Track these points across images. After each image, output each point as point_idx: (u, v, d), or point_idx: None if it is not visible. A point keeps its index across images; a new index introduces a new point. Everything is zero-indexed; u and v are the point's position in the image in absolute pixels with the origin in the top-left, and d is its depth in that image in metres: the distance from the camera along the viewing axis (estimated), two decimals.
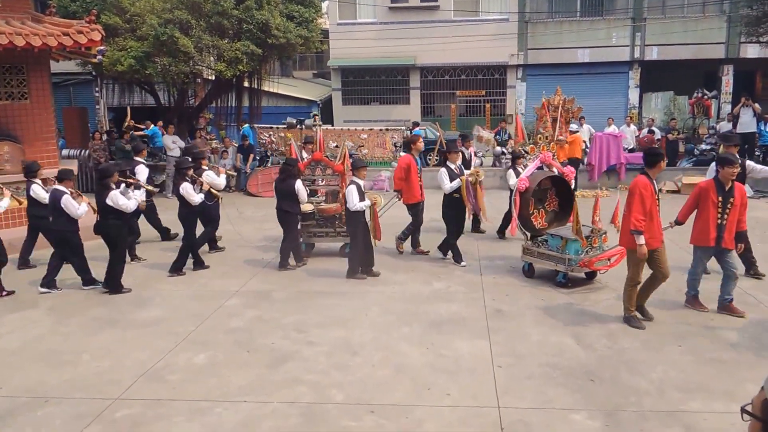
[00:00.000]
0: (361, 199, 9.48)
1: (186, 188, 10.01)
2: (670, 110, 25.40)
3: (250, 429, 5.38)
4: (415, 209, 10.92)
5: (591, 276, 9.25)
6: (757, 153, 18.37)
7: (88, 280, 9.43)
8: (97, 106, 26.55)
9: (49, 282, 9.27)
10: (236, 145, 19.72)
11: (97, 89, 26.17)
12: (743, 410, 2.35)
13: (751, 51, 25.38)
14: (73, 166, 13.62)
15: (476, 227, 12.50)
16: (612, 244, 8.98)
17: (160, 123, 19.66)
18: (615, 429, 5.27)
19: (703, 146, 19.41)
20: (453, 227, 10.24)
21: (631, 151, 19.09)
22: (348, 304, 8.52)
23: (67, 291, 9.32)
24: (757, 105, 18.14)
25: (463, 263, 10.18)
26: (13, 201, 9.66)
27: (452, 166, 10.21)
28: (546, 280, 9.28)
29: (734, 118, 18.63)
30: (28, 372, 6.60)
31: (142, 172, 11.40)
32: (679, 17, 26.31)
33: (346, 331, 7.53)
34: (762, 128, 18.48)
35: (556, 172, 10.05)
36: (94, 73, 21.69)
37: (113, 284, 9.15)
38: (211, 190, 10.46)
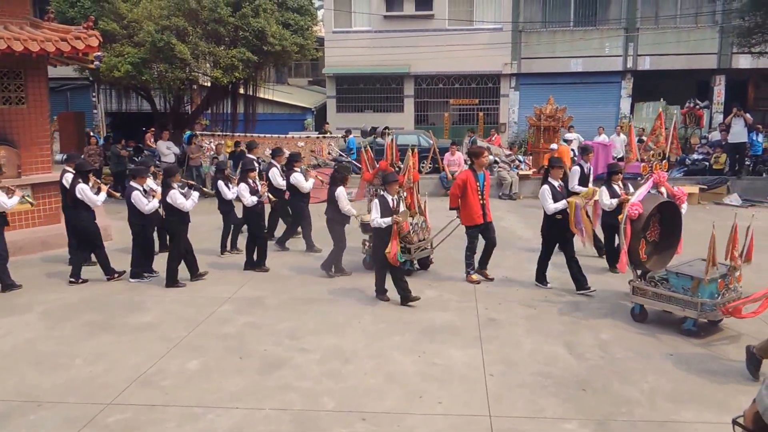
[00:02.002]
0: (384, 215, 8.70)
1: (241, 189, 10.49)
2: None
3: None
4: (473, 232, 9.73)
5: (716, 321, 7.78)
6: (747, 163, 18.49)
7: (135, 273, 10.09)
8: (94, 111, 26.57)
9: (135, 273, 10.08)
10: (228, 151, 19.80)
11: (93, 95, 26.19)
12: (735, 422, 2.37)
13: (743, 61, 25.52)
14: None
15: (601, 252, 10.99)
16: (745, 283, 7.91)
17: (152, 130, 19.70)
18: None
19: (695, 156, 19.52)
20: (549, 249, 9.41)
21: (620, 160, 19.15)
22: (341, 311, 8.53)
23: (61, 294, 9.32)
24: (748, 115, 18.24)
25: (549, 285, 9.46)
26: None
27: (555, 183, 9.24)
28: (661, 326, 7.89)
29: (726, 128, 18.75)
30: (21, 376, 6.61)
31: None
32: (672, 27, 26.45)
33: (338, 338, 7.55)
34: (753, 138, 18.60)
35: (666, 195, 8.46)
36: (91, 78, 21.66)
37: (169, 279, 9.76)
38: (268, 195, 10.91)
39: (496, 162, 19.22)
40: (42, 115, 12.56)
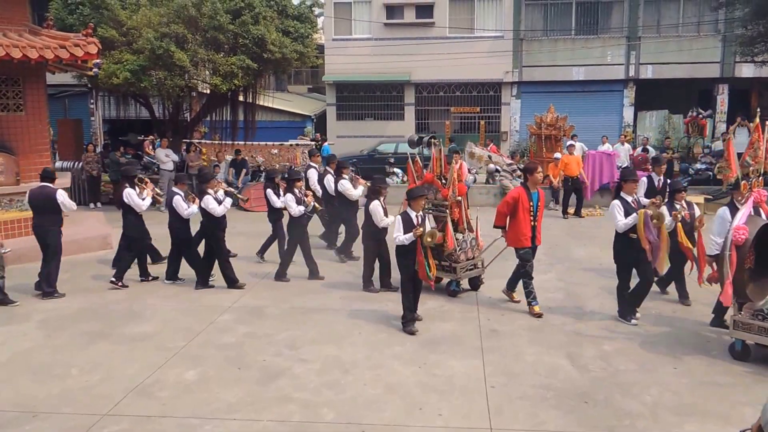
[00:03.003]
0: (407, 232, 8.00)
1: (287, 199, 10.49)
2: (665, 129, 25.49)
3: None
4: (526, 254, 8.73)
5: None
6: None
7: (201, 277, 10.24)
8: (92, 118, 26.57)
9: (171, 274, 10.42)
10: (228, 159, 19.78)
11: (92, 101, 26.18)
12: None
13: (746, 70, 25.52)
14: (66, 178, 13.61)
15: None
16: None
17: (149, 137, 19.70)
18: None
19: (698, 165, 19.45)
20: (625, 275, 8.33)
21: (625, 169, 19.09)
22: (341, 321, 8.47)
23: (59, 304, 9.25)
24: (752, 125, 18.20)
25: (633, 321, 8.26)
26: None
27: (628, 199, 8.26)
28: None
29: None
30: (17, 385, 6.54)
31: (312, 176, 12.70)
32: (674, 36, 26.46)
33: (338, 348, 7.49)
34: None
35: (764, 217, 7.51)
36: (89, 85, 21.64)
37: (229, 282, 10.08)
38: (315, 204, 10.91)
39: (497, 171, 19.19)
40: (41, 122, 12.53)
